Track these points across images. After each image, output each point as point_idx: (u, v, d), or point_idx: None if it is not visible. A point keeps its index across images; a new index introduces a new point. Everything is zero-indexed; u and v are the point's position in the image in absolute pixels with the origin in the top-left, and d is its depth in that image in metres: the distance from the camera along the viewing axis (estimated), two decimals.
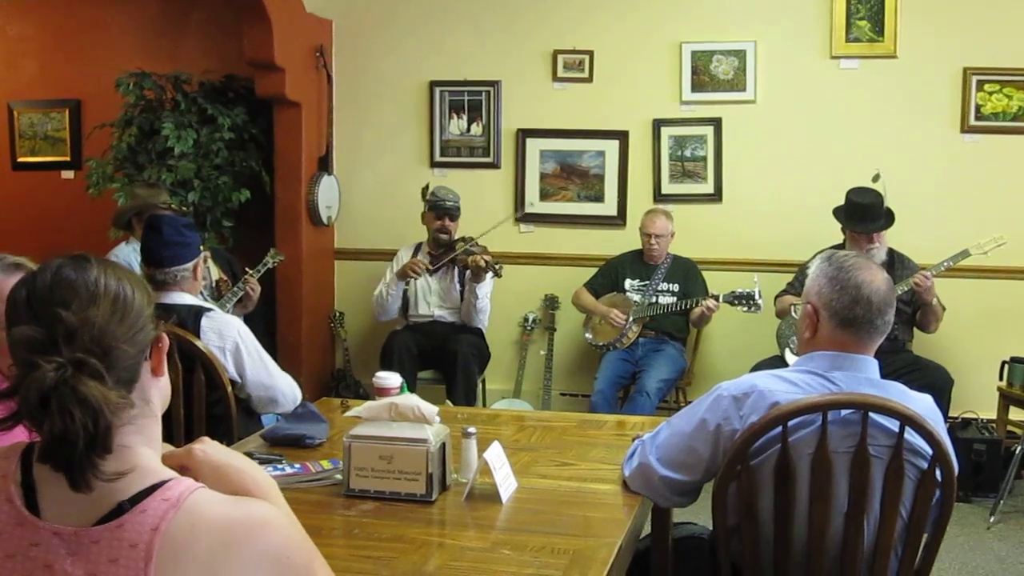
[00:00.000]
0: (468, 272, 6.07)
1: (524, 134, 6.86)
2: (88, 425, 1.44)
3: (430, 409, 2.75)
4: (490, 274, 5.98)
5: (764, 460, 2.47)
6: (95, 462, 1.46)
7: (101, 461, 1.47)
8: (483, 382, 6.43)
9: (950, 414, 5.65)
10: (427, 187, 6.39)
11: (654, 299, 6.13)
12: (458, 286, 6.24)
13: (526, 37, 6.79)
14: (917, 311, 5.73)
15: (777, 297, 6.00)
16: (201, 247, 3.90)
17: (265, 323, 6.44)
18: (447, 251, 6.16)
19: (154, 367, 1.64)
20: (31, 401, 1.44)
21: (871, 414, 2.39)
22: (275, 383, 3.69)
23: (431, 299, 6.30)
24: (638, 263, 6.29)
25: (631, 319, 6.07)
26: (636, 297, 6.17)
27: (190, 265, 3.75)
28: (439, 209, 6.19)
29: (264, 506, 1.59)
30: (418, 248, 6.40)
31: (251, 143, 6.88)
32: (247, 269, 5.47)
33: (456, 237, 6.23)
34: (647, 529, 3.01)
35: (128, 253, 5.51)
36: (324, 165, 6.93)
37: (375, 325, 6.82)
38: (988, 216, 6.06)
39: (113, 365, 1.52)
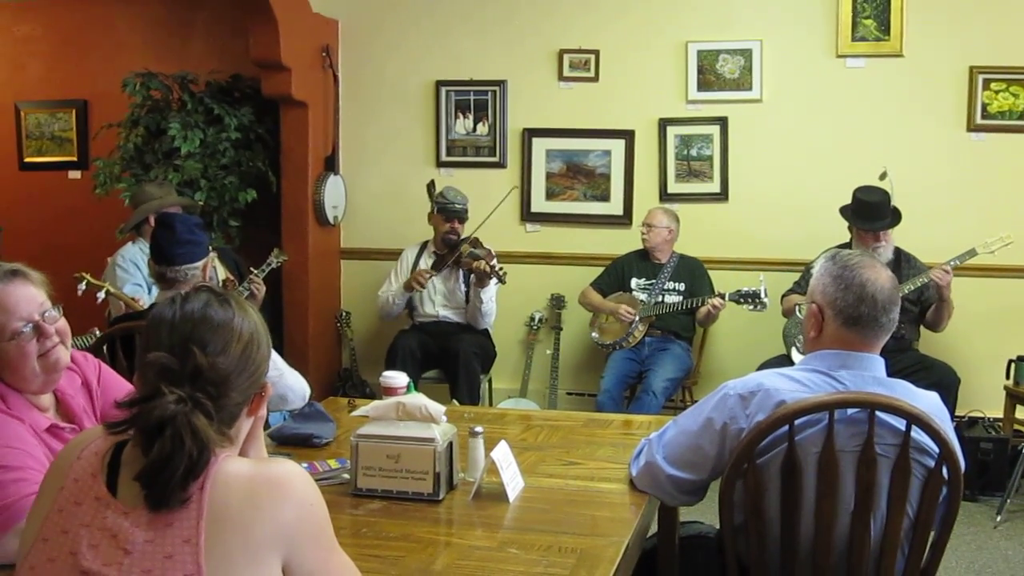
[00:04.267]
0: (472, 276, 6.09)
1: (530, 133, 6.86)
2: (193, 454, 1.63)
3: (437, 408, 2.75)
4: (494, 280, 6.00)
5: (771, 459, 2.47)
6: (179, 491, 1.63)
7: (184, 491, 1.63)
8: (489, 381, 6.44)
9: (957, 413, 5.66)
10: (432, 184, 6.40)
11: (660, 298, 6.14)
12: (463, 287, 6.26)
13: (532, 37, 6.79)
14: (925, 310, 5.73)
15: (784, 296, 5.99)
16: (210, 248, 3.92)
17: (272, 323, 6.44)
18: (452, 251, 6.17)
19: (251, 410, 1.82)
20: (150, 422, 1.64)
21: (878, 413, 2.40)
22: (284, 380, 3.68)
23: (436, 299, 6.32)
24: (644, 262, 6.29)
25: (637, 318, 6.07)
26: (642, 296, 6.17)
27: (200, 264, 3.76)
28: (448, 212, 6.21)
29: (287, 464, 1.74)
30: (423, 247, 6.42)
31: (257, 143, 6.89)
32: (252, 269, 5.48)
33: (462, 237, 6.24)
34: (654, 528, 3.01)
35: (135, 253, 5.52)
36: (330, 165, 6.94)
37: (381, 325, 6.83)
38: (995, 215, 6.05)
39: (221, 409, 1.72)
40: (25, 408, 2.44)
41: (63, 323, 2.50)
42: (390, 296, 6.34)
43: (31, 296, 2.43)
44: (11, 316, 2.38)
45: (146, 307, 4.63)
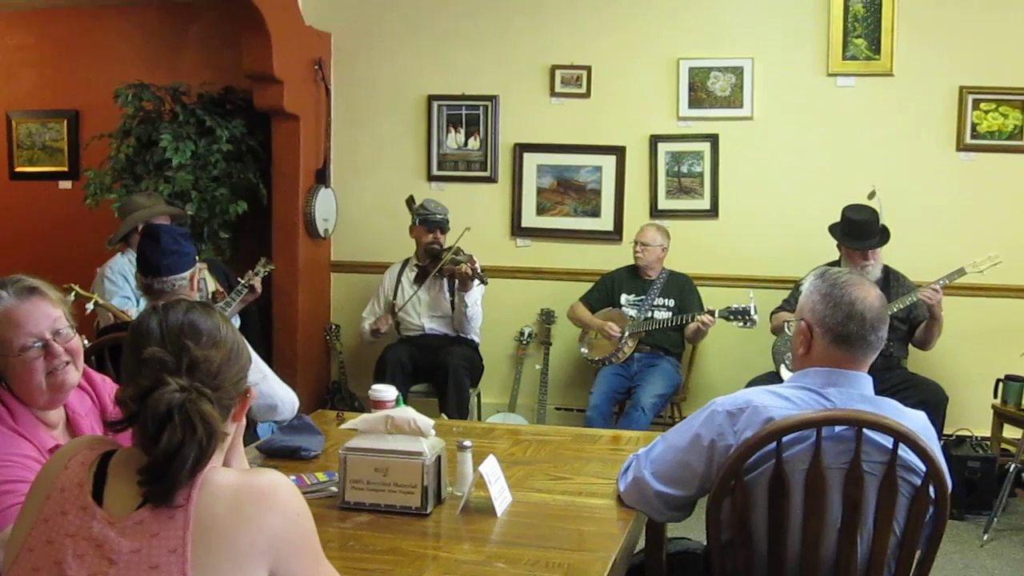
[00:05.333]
0: (456, 281, 6.10)
1: (521, 149, 6.88)
2: (203, 441, 1.66)
3: (426, 422, 2.75)
4: (476, 281, 6.00)
5: (758, 476, 2.47)
6: (186, 483, 1.65)
7: (191, 482, 1.66)
8: (478, 396, 6.44)
9: (944, 431, 5.66)
10: (412, 198, 6.41)
11: (650, 314, 6.14)
12: (448, 295, 6.26)
13: (524, 52, 6.81)
14: (913, 328, 5.74)
15: (773, 313, 6.00)
16: (196, 258, 3.90)
17: (261, 335, 6.44)
18: (435, 261, 6.17)
19: (236, 413, 1.84)
20: (158, 411, 1.65)
21: (865, 430, 2.40)
22: (273, 391, 3.66)
23: (421, 310, 6.31)
24: (634, 278, 6.30)
25: (627, 334, 6.08)
26: (632, 312, 6.17)
27: (187, 275, 3.75)
28: (430, 223, 6.22)
29: (274, 474, 1.75)
30: (405, 264, 6.43)
31: (249, 155, 6.89)
32: (240, 279, 5.46)
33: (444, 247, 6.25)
34: (641, 544, 3.01)
35: (123, 264, 5.50)
36: (321, 178, 6.94)
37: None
38: (983, 234, 6.08)
39: (219, 400, 1.74)
40: (32, 426, 2.43)
41: (75, 342, 2.50)
42: (366, 333, 6.41)
43: (45, 313, 2.44)
44: (20, 332, 2.39)
45: (135, 318, 4.61)
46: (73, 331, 2.50)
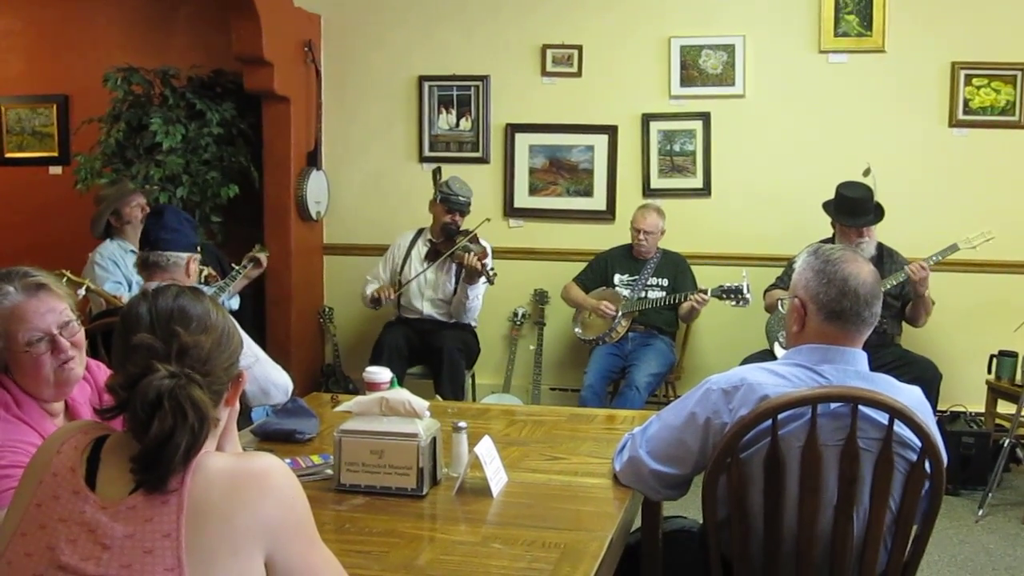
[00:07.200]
0: (463, 271, 6.05)
1: (513, 129, 6.86)
2: (195, 427, 1.65)
3: (420, 404, 2.75)
4: (483, 279, 5.97)
5: (754, 453, 2.47)
6: (180, 468, 1.65)
7: (184, 468, 1.65)
8: (472, 377, 6.44)
9: (939, 407, 5.67)
10: (438, 171, 6.37)
11: (643, 294, 6.14)
12: (452, 280, 6.21)
13: (515, 32, 6.78)
14: (906, 305, 5.74)
15: (766, 291, 6.00)
16: (197, 247, 3.90)
17: (254, 319, 6.43)
18: (448, 242, 6.13)
19: (229, 397, 1.83)
20: (148, 398, 1.64)
21: (860, 407, 2.40)
22: (267, 374, 3.66)
23: (425, 292, 6.25)
24: (627, 258, 6.29)
25: (620, 313, 6.07)
26: (625, 292, 6.17)
27: (184, 256, 3.76)
28: (451, 203, 6.15)
29: (268, 458, 1.75)
30: (419, 234, 6.36)
31: (240, 138, 6.87)
32: (233, 265, 5.44)
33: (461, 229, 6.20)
34: (638, 523, 3.01)
35: (113, 250, 5.49)
36: (313, 160, 6.92)
37: (364, 320, 6.83)
38: (976, 210, 6.08)
39: (210, 386, 1.73)
40: (36, 415, 2.46)
41: (81, 335, 2.53)
42: (366, 297, 6.28)
43: (52, 308, 2.46)
44: (27, 327, 2.42)
45: (125, 304, 4.60)
46: (79, 324, 2.53)
